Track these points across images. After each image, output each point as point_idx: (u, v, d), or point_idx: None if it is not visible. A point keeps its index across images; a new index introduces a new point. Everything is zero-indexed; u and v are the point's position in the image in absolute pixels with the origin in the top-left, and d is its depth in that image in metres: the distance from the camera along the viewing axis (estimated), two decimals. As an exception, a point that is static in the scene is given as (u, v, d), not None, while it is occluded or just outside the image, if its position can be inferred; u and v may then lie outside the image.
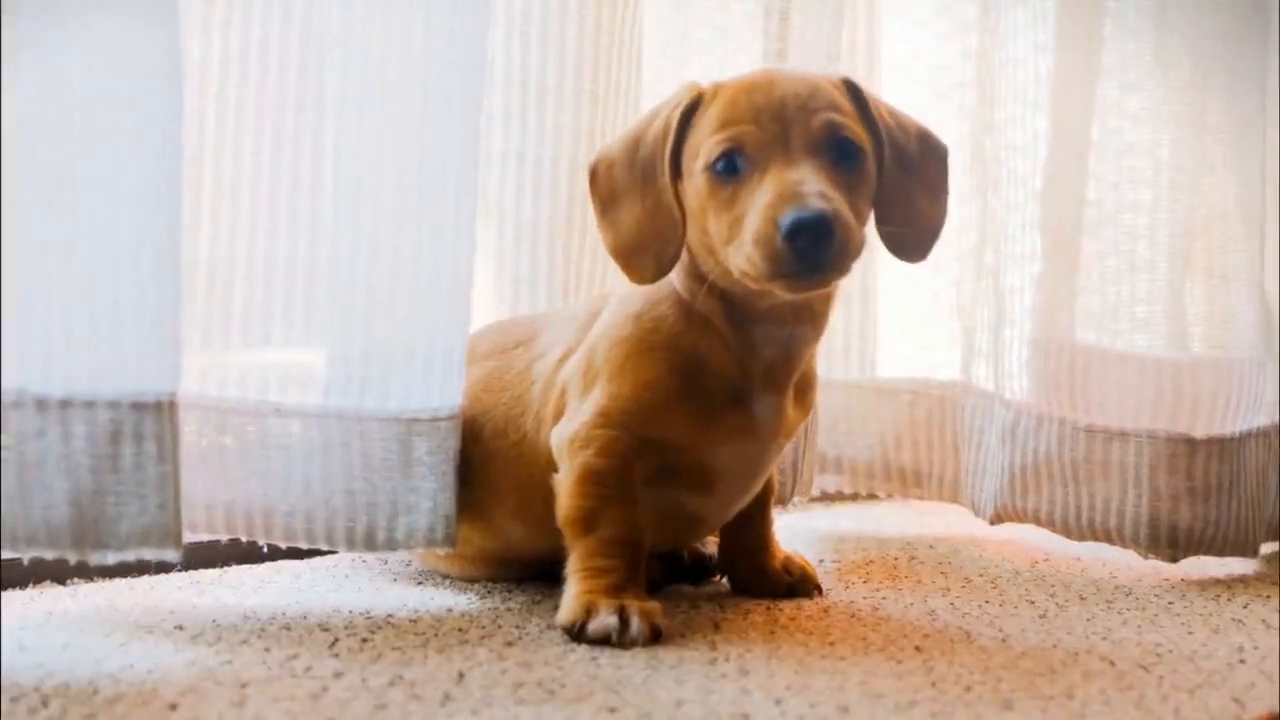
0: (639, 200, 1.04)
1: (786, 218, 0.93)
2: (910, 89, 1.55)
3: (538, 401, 1.11)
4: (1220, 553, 1.34)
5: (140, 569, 1.17)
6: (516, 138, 1.29)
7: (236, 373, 1.08)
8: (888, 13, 1.54)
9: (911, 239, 1.07)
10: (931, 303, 1.57)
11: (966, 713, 0.85)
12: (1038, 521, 1.39)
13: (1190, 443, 1.33)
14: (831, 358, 1.53)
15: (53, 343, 0.93)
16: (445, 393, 1.09)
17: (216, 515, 1.09)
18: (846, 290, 1.52)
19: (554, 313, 1.22)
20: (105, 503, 0.94)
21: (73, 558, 0.94)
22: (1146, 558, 1.34)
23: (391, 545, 1.09)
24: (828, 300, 1.07)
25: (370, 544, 1.09)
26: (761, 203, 0.95)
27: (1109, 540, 1.35)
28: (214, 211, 1.08)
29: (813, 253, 0.93)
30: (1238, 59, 1.38)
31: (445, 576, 1.21)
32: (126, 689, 0.85)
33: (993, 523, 1.42)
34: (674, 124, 1.03)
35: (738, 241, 0.97)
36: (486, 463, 1.12)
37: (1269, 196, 1.43)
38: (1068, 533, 1.37)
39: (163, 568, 1.18)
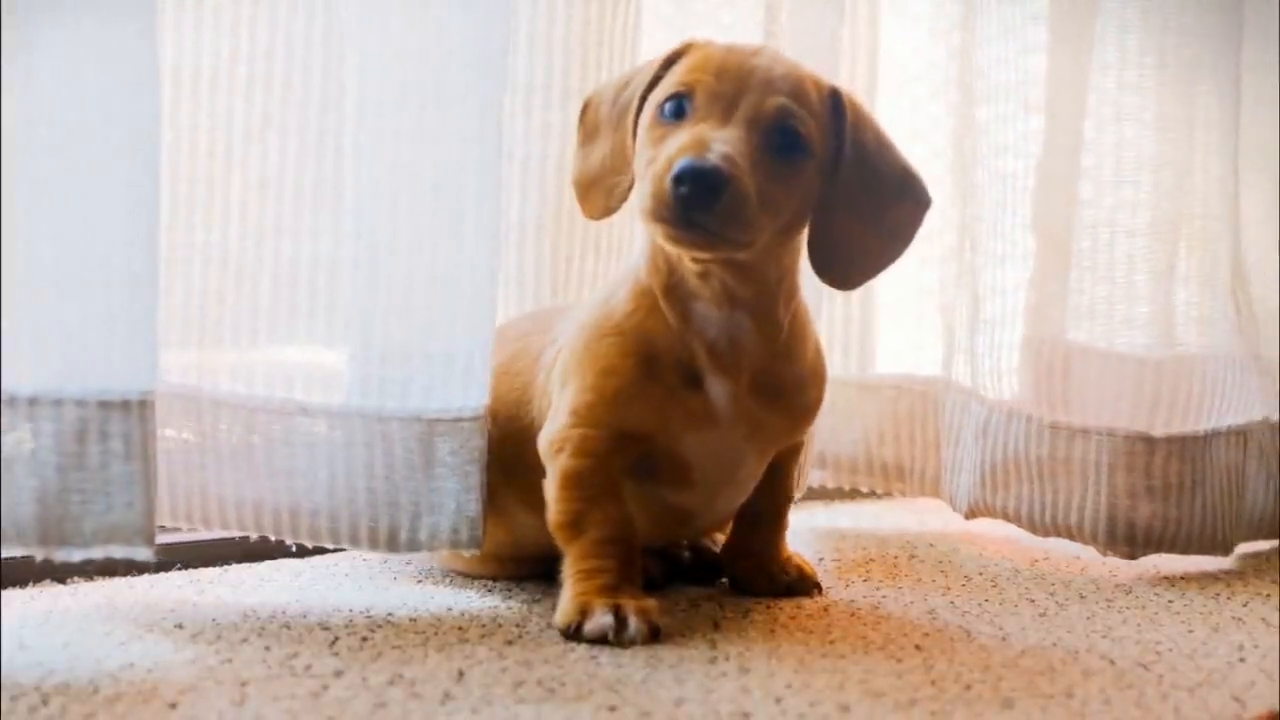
0: (610, 137, 1.07)
1: (679, 162, 0.94)
2: (909, 85, 1.55)
3: (540, 390, 1.11)
4: (1185, 551, 1.34)
5: (140, 568, 1.16)
6: (505, 138, 1.29)
7: (263, 371, 1.08)
8: (887, 9, 1.54)
9: (836, 261, 1.06)
10: (920, 299, 1.57)
11: (966, 711, 0.85)
12: (1006, 517, 1.39)
13: (1149, 441, 1.33)
14: (828, 354, 1.52)
15: (21, 340, 0.92)
16: (468, 393, 1.09)
17: (245, 513, 1.09)
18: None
19: (577, 305, 1.21)
20: (70, 500, 0.93)
21: (39, 555, 0.93)
22: (1105, 555, 1.34)
23: (414, 546, 1.09)
24: (755, 289, 1.04)
25: (393, 544, 1.09)
26: (673, 146, 0.97)
27: (1070, 537, 1.35)
28: (242, 211, 1.09)
29: (692, 204, 0.94)
30: (1222, 58, 1.38)
31: (449, 574, 1.21)
32: (126, 687, 0.85)
33: (967, 518, 1.42)
34: (655, 67, 1.05)
35: (645, 177, 0.98)
36: (500, 445, 1.12)
37: (1259, 191, 1.43)
38: (1033, 529, 1.37)
39: (162, 566, 1.17)
